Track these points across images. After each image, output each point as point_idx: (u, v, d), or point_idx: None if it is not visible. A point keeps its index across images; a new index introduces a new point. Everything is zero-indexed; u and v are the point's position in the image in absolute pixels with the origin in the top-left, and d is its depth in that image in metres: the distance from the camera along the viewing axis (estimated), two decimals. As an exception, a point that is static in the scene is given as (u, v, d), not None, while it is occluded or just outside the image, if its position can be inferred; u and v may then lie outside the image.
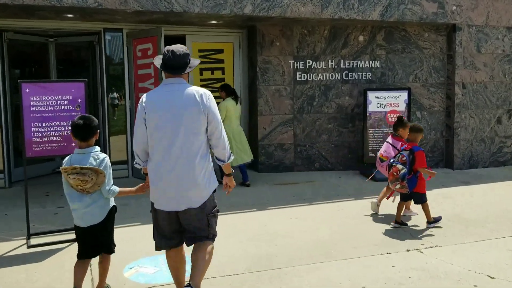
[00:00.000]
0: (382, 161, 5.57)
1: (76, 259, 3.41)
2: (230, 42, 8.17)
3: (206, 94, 3.06)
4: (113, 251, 3.47)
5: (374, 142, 7.75)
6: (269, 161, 8.06)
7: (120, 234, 4.39)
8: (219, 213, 3.29)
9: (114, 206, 3.43)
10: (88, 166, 3.19)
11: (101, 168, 3.23)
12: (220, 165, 3.21)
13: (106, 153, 3.51)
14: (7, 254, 4.52)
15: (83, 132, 3.28)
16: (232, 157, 3.18)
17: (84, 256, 3.37)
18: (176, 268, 3.26)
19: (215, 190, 3.21)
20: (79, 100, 4.64)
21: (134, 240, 4.78)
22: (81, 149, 3.30)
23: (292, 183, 7.32)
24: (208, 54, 8.04)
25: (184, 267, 3.33)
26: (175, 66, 3.01)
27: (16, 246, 4.71)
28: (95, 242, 3.34)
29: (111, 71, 7.53)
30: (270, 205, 6.08)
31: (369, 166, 7.74)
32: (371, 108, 7.72)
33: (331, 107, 8.16)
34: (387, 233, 5.01)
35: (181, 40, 7.87)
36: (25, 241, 4.77)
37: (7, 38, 7.13)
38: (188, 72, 3.13)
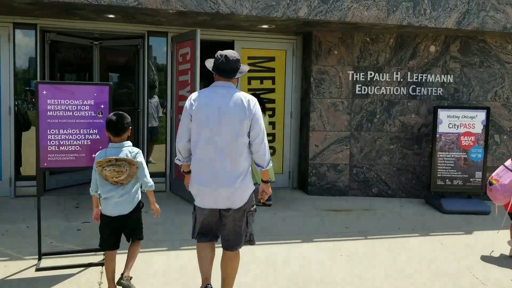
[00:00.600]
0: (491, 184, 4.64)
1: None
2: (282, 49, 7.44)
3: (253, 101, 3.18)
4: (142, 238, 3.67)
5: (444, 167, 6.70)
6: (320, 183, 7.20)
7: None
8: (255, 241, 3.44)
9: (140, 200, 3.62)
10: (122, 157, 3.40)
11: (135, 160, 3.44)
12: (259, 170, 3.27)
13: (151, 181, 3.65)
14: (11, 277, 3.98)
15: (116, 128, 3.47)
16: (271, 164, 3.25)
17: (108, 246, 3.53)
18: (210, 260, 3.34)
19: (253, 191, 3.31)
20: (102, 106, 4.06)
21: (154, 270, 4.11)
22: (115, 143, 3.50)
23: (345, 210, 6.42)
24: (258, 62, 7.36)
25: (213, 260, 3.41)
26: (227, 70, 3.14)
27: (25, 267, 4.16)
28: (121, 230, 3.56)
29: (153, 77, 7.01)
30: (318, 236, 5.24)
31: (436, 195, 6.70)
32: (442, 128, 6.69)
33: (394, 125, 7.21)
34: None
35: (230, 45, 7.24)
36: (36, 261, 4.23)
37: (49, 39, 6.80)
38: (238, 78, 3.24)
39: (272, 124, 7.47)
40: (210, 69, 3.20)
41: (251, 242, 3.37)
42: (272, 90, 7.44)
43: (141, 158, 3.51)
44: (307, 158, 7.24)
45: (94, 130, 4.07)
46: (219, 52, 3.16)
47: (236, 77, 3.19)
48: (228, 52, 3.17)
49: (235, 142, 3.08)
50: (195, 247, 3.43)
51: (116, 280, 3.54)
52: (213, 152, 3.09)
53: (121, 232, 3.59)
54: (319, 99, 7.13)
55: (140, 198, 3.61)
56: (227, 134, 3.07)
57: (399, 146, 7.23)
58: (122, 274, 3.52)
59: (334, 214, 6.21)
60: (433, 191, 6.72)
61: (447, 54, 7.22)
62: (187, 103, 3.17)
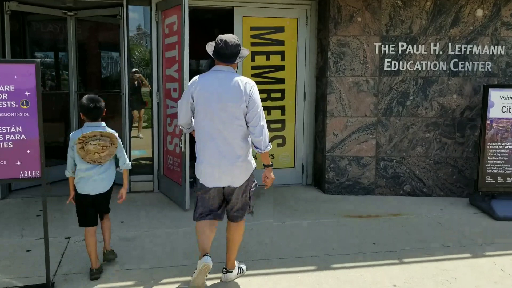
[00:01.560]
0: None
1: None
2: (293, 17, 6.09)
3: (250, 84, 3.26)
4: (109, 210, 3.71)
5: (496, 161, 5.37)
6: (340, 180, 5.94)
7: None
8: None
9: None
10: (107, 132, 3.41)
11: (117, 138, 3.48)
12: (257, 153, 3.31)
13: (128, 160, 3.68)
14: None
15: (95, 114, 3.46)
16: (269, 147, 3.29)
17: (91, 223, 3.55)
18: (209, 237, 3.34)
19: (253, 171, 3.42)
20: (27, 93, 2.84)
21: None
22: (91, 123, 3.46)
23: (371, 216, 5.16)
24: (264, 34, 6.04)
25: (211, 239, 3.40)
26: (227, 55, 3.23)
27: None
28: (100, 208, 3.63)
29: (135, 54, 5.77)
30: (337, 258, 4.00)
31: (485, 195, 5.38)
32: (494, 113, 5.33)
33: (431, 109, 5.86)
34: None
35: (229, 14, 5.94)
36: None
37: (8, 9, 5.60)
38: (237, 62, 3.31)
39: (281, 109, 6.20)
40: (211, 53, 3.28)
41: (252, 213, 3.61)
42: (280, 68, 6.14)
43: (118, 139, 3.55)
44: (323, 150, 5.97)
45: (18, 128, 2.87)
46: (220, 37, 3.24)
47: (235, 62, 3.29)
48: (228, 37, 3.25)
49: (231, 124, 3.21)
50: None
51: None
52: (214, 134, 3.23)
53: (98, 209, 3.63)
54: (339, 78, 5.81)
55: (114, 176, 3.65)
56: (226, 117, 3.20)
57: (437, 134, 5.89)
58: (104, 249, 3.76)
59: (356, 222, 4.95)
60: (481, 191, 5.40)
61: (498, 20, 5.80)
62: (191, 83, 3.30)
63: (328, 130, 5.89)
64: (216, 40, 3.26)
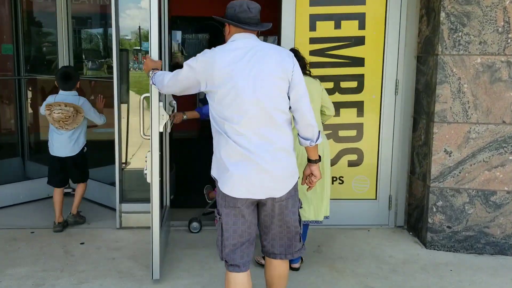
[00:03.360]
0: None
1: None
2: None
3: (290, 53, 2.30)
4: (84, 180, 4.01)
5: None
6: (453, 227, 3.58)
7: None
8: None
9: (86, 145, 3.95)
10: (71, 103, 3.74)
11: (81, 105, 3.79)
12: (307, 146, 2.33)
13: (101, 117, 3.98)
14: None
15: (67, 85, 3.81)
16: (321, 138, 2.35)
17: (55, 183, 3.92)
18: None
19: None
20: None
21: None
22: (65, 91, 3.81)
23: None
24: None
25: None
26: (252, 18, 2.26)
27: None
28: (69, 171, 3.94)
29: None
30: None
31: None
32: None
33: None
34: None
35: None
36: None
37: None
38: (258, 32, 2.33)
39: (356, 106, 3.93)
40: (226, 20, 2.26)
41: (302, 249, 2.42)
42: (358, 41, 3.84)
43: (86, 104, 3.83)
44: (426, 176, 3.63)
45: None
46: (237, 2, 2.26)
47: (262, 29, 2.30)
48: (248, 1, 2.29)
49: (274, 110, 2.17)
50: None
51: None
52: (249, 124, 2.14)
53: (68, 172, 3.94)
54: (458, 57, 3.42)
55: (85, 142, 3.92)
56: (264, 101, 2.15)
57: None
58: (69, 213, 3.97)
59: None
60: None
61: None
62: (198, 63, 2.19)
63: (436, 145, 3.53)
64: (232, 4, 2.31)
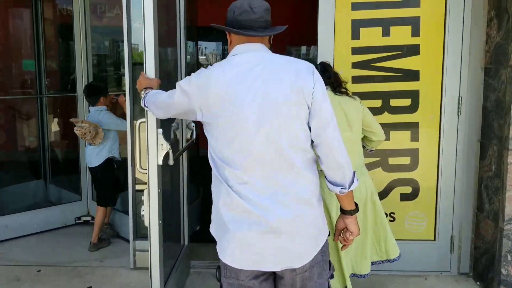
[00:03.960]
0: None
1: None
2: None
3: (310, 68, 1.68)
4: (102, 204, 3.89)
5: None
6: (536, 283, 2.85)
7: None
8: None
9: (112, 157, 3.89)
10: (88, 121, 3.79)
11: (100, 119, 3.81)
12: (338, 193, 1.72)
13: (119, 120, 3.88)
14: None
15: (91, 99, 3.89)
16: (356, 182, 1.72)
17: (96, 200, 4.05)
18: None
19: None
20: None
21: None
22: (93, 107, 3.90)
23: None
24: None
25: None
26: (256, 21, 1.70)
27: None
28: (98, 187, 4.00)
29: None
30: None
31: None
32: None
33: None
34: None
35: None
36: None
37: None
38: (270, 37, 1.79)
39: (410, 129, 3.27)
40: (225, 28, 1.73)
41: None
42: (412, 51, 3.20)
43: (106, 117, 3.84)
44: (499, 215, 2.93)
45: None
46: (238, 2, 1.73)
47: (271, 33, 1.74)
48: (250, 1, 1.74)
49: (289, 148, 1.60)
50: None
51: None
52: (256, 169, 1.60)
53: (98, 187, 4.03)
54: (542, 68, 2.73)
55: (109, 156, 3.86)
56: (275, 136, 1.59)
57: None
58: (90, 242, 3.85)
59: None
60: None
61: None
62: (191, 86, 1.66)
63: (511, 177, 2.83)
64: (231, 7, 1.74)
